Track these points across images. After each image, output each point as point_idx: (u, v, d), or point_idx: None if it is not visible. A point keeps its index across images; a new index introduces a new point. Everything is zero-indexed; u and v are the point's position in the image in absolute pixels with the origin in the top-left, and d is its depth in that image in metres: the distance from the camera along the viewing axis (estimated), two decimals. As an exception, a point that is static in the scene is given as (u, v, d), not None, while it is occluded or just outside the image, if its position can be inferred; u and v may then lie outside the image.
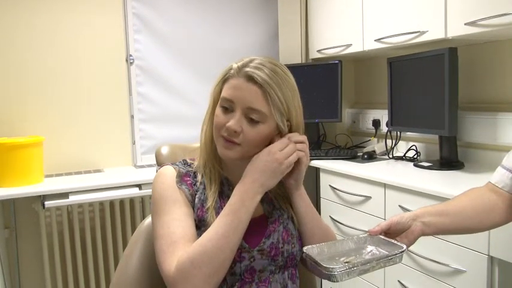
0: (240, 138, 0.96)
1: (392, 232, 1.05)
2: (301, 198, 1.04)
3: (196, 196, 1.00)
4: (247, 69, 0.95)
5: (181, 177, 1.01)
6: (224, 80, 0.99)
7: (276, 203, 1.06)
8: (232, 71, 0.97)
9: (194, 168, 1.05)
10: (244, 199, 0.93)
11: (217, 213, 0.96)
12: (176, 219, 0.95)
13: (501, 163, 1.18)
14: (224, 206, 0.96)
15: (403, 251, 0.94)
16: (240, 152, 0.97)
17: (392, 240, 1.00)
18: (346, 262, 0.93)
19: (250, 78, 0.95)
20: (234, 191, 0.95)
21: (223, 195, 1.02)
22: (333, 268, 0.86)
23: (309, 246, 0.97)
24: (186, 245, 0.91)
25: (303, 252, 0.95)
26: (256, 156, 0.96)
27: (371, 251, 1.00)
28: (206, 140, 1.04)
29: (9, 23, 2.29)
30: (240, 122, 0.95)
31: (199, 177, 1.03)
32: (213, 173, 1.03)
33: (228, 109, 0.97)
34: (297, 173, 1.01)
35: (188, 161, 1.08)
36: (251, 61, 0.97)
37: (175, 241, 0.92)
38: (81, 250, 2.30)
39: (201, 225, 0.98)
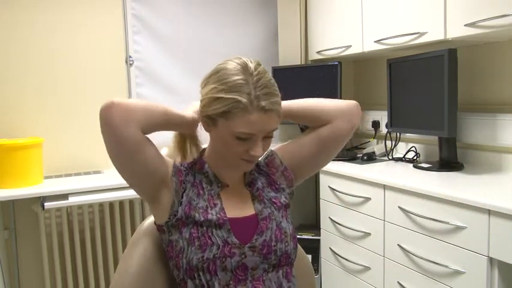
0: None
1: None
2: (289, 109, 1.10)
3: (184, 193, 1.03)
4: (263, 103, 0.92)
5: (176, 172, 1.04)
6: (226, 111, 0.93)
7: (268, 202, 1.07)
8: (242, 105, 0.91)
9: (185, 168, 1.07)
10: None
11: (205, 212, 1.00)
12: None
13: None
14: (213, 204, 1.02)
15: None
16: (256, 161, 1.04)
17: None
18: None
19: (268, 111, 0.93)
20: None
21: (213, 192, 1.05)
22: None
23: None
24: None
25: None
26: None
27: None
28: (188, 146, 1.11)
29: (8, 24, 2.28)
30: (262, 146, 0.98)
31: (189, 178, 1.05)
32: (200, 174, 1.07)
33: (245, 138, 0.96)
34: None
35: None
36: (257, 88, 0.92)
37: None
38: (81, 251, 2.29)
39: (188, 222, 1.00)
